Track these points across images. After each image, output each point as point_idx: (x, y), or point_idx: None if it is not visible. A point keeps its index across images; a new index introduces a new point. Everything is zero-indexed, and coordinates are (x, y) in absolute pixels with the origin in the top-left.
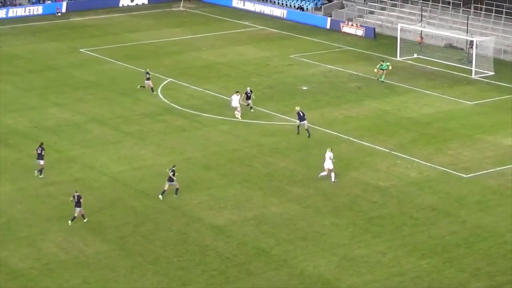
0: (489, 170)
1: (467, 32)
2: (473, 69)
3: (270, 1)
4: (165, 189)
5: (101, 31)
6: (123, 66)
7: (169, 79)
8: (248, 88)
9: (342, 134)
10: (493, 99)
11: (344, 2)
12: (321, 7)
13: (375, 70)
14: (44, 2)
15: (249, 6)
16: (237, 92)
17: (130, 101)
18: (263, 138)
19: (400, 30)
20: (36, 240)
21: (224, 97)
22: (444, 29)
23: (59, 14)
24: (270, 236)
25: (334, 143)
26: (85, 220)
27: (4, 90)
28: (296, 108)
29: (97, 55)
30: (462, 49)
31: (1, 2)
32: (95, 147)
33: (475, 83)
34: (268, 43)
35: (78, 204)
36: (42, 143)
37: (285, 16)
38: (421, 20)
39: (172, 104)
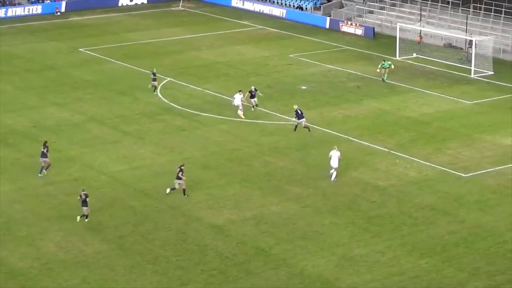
0: (488, 170)
1: (466, 32)
2: (472, 68)
3: (269, 1)
4: (175, 187)
5: (100, 31)
6: (123, 66)
7: (168, 79)
8: (253, 87)
9: (341, 134)
10: (492, 98)
11: (343, 1)
12: (320, 6)
13: (378, 70)
14: (43, 2)
15: (248, 6)
16: (240, 91)
17: (129, 100)
18: (262, 137)
19: (399, 29)
20: (35, 239)
21: (224, 96)
22: (443, 28)
23: (58, 13)
24: (269, 236)
25: (333, 142)
26: (86, 220)
27: (3, 89)
28: (294, 106)
29: (96, 55)
30: (461, 48)
31: (0, 2)
32: (94, 147)
33: (474, 83)
34: (267, 43)
35: (84, 203)
36: (46, 142)
37: (284, 16)
38: (420, 20)
39: (171, 103)
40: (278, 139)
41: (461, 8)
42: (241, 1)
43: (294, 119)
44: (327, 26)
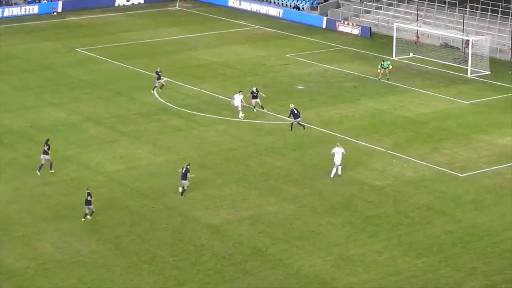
0: (485, 169)
1: (463, 32)
2: (469, 68)
3: (266, 1)
4: (184, 188)
5: (97, 31)
6: (119, 66)
7: (165, 79)
8: (255, 88)
9: (338, 134)
10: (489, 98)
11: (340, 1)
12: (317, 6)
13: (378, 70)
14: (40, 2)
15: (245, 6)
16: (240, 91)
17: (125, 100)
18: (259, 137)
19: (396, 29)
20: (31, 239)
21: (220, 96)
22: (440, 28)
23: (55, 13)
24: (266, 236)
25: (330, 142)
26: (83, 219)
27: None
28: (291, 105)
29: (92, 55)
30: (458, 48)
31: None
32: (91, 147)
33: (471, 83)
34: (264, 43)
35: (88, 202)
36: (48, 139)
37: (281, 16)
38: (417, 20)
39: (168, 103)
40: (274, 139)
41: (457, 8)
42: (238, 1)
43: (288, 118)
44: (324, 26)
